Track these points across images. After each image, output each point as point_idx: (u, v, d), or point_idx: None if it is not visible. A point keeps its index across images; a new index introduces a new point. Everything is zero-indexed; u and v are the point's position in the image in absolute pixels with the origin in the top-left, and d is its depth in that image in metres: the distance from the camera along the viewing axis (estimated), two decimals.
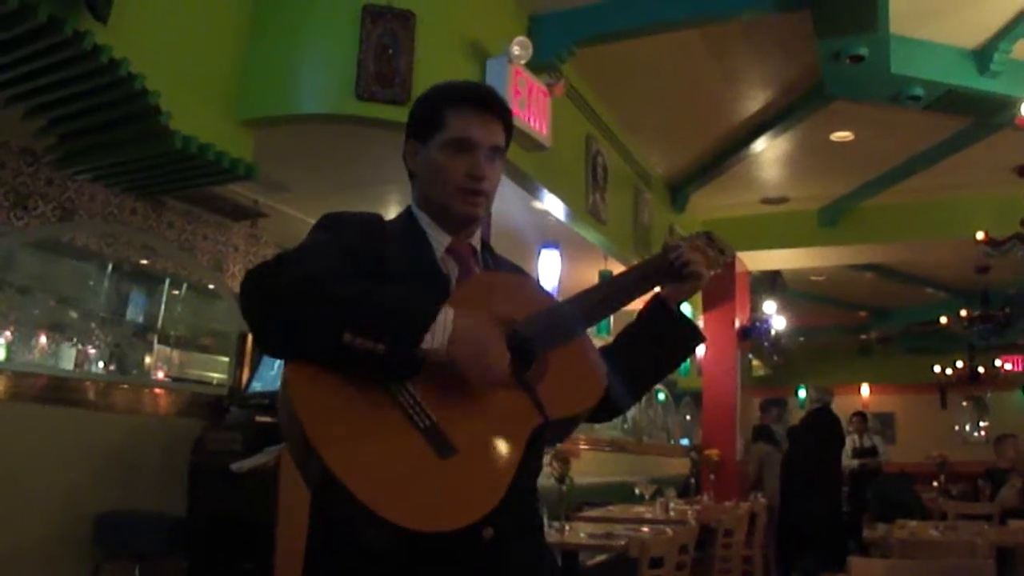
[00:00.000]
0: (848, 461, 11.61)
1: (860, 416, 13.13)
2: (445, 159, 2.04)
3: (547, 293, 2.18)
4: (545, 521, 4.12)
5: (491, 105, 2.09)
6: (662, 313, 2.21)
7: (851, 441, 11.97)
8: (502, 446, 1.75)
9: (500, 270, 2.23)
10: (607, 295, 2.11)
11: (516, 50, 6.08)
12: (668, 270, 2.16)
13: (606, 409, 2.10)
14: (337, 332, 1.65)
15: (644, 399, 12.50)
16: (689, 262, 2.14)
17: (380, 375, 1.72)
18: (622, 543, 4.96)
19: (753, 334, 11.93)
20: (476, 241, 2.20)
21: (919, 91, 7.34)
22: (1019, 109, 5.62)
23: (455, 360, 1.70)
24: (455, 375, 1.72)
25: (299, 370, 1.70)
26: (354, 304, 1.70)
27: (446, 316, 1.72)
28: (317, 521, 1.93)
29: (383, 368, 1.70)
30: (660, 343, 2.23)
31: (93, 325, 7.81)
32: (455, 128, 2.04)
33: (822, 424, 9.83)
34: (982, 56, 7.31)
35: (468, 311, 1.79)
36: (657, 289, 2.22)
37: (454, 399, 1.75)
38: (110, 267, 7.89)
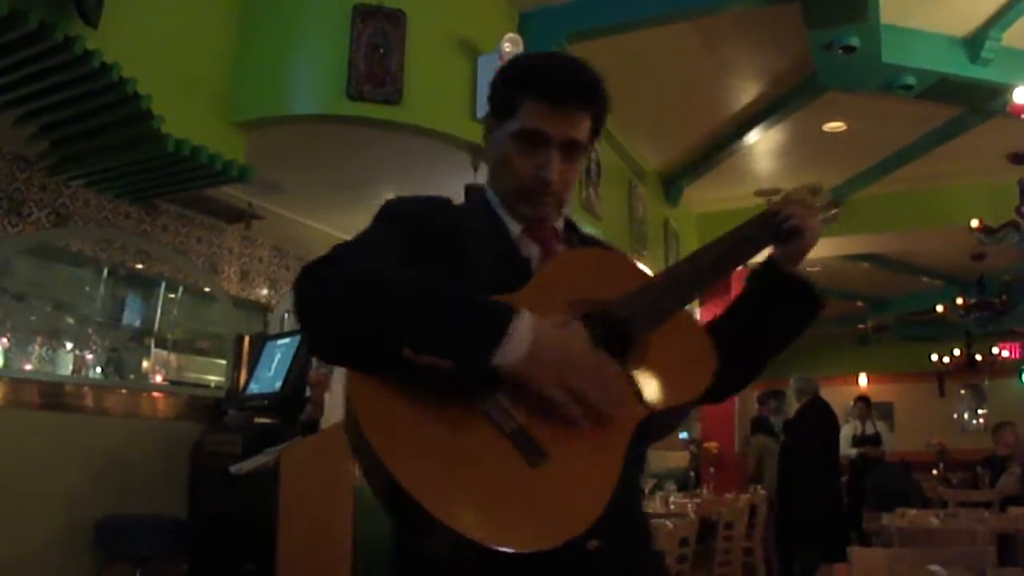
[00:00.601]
0: (847, 450, 11.10)
1: (863, 401, 12.16)
2: (513, 151, 1.83)
3: (639, 269, 1.95)
4: None
5: (578, 95, 1.83)
6: (773, 278, 1.97)
7: (853, 428, 11.50)
8: (601, 447, 1.54)
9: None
10: (704, 265, 1.86)
11: (507, 47, 6.08)
12: (770, 229, 1.92)
13: (717, 391, 1.79)
14: (396, 348, 1.46)
15: None
16: (791, 217, 1.90)
17: (452, 385, 1.49)
18: None
19: None
20: (559, 223, 1.99)
21: (911, 80, 7.35)
22: (1011, 96, 5.62)
23: (532, 380, 1.48)
24: (535, 393, 1.49)
25: (365, 379, 1.51)
26: (414, 316, 1.49)
27: (523, 324, 1.48)
28: (402, 553, 1.73)
29: (453, 381, 1.48)
30: (774, 313, 1.98)
31: (90, 330, 7.82)
32: (527, 118, 1.80)
33: (815, 414, 9.83)
34: (973, 44, 7.31)
35: (549, 312, 1.57)
36: (763, 256, 1.99)
37: (542, 400, 1.53)
38: (105, 272, 7.90)
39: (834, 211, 2.08)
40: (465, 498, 1.40)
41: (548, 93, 1.79)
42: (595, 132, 1.89)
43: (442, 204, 1.90)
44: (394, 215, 1.82)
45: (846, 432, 10.75)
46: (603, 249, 2.01)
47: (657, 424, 1.66)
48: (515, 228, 1.87)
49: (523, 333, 1.47)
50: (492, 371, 1.46)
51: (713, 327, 1.94)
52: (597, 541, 1.54)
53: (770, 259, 1.97)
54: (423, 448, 1.44)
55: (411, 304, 1.50)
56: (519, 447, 1.47)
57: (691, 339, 1.78)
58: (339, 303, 1.51)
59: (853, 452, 11.28)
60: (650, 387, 1.63)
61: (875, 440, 11.46)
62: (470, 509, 1.39)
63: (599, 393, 1.51)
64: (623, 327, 1.68)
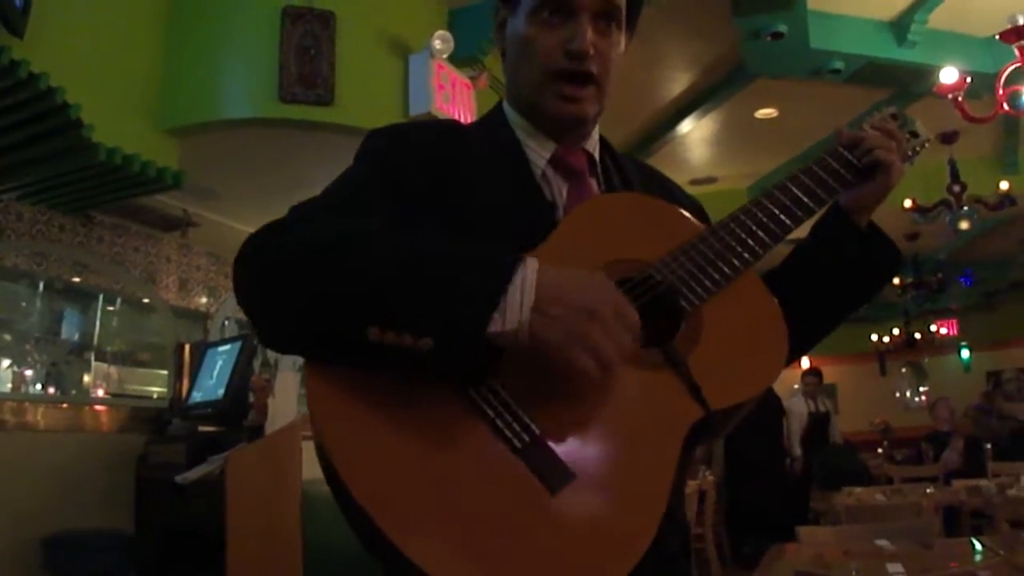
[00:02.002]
0: (798, 429, 10.29)
1: (813, 374, 10.78)
2: (534, 29, 1.46)
3: (689, 220, 1.50)
4: None
5: None
6: (844, 228, 1.55)
7: (805, 404, 10.40)
8: (645, 459, 1.19)
9: (629, 184, 1.60)
10: (772, 213, 1.46)
11: (437, 44, 6.09)
12: (847, 167, 1.52)
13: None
14: (358, 327, 1.14)
15: None
16: (874, 148, 1.51)
17: (439, 376, 1.18)
18: None
19: None
20: (593, 145, 1.59)
21: (839, 65, 7.47)
22: (938, 77, 5.71)
23: (545, 346, 1.13)
24: (549, 362, 1.15)
25: (324, 378, 1.19)
26: (382, 282, 1.16)
27: (523, 278, 1.14)
28: None
29: (439, 369, 1.16)
30: (846, 268, 1.56)
31: (28, 346, 7.70)
32: None
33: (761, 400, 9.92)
34: (899, 27, 7.46)
35: (565, 259, 1.23)
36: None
37: (561, 391, 1.19)
38: (42, 286, 7.78)
39: (922, 140, 1.71)
40: (470, 550, 1.08)
41: None
42: (632, 16, 1.56)
43: (443, 129, 1.57)
44: (378, 151, 1.49)
45: (799, 409, 10.25)
46: (647, 192, 1.58)
47: (711, 425, 1.28)
48: (539, 160, 1.52)
49: (527, 288, 1.14)
50: (491, 346, 1.14)
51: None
52: None
53: (837, 206, 1.56)
54: (410, 482, 1.11)
55: (375, 269, 1.18)
56: (535, 467, 1.14)
57: (756, 311, 1.39)
58: (283, 277, 1.22)
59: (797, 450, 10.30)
60: (708, 378, 1.26)
61: (825, 419, 10.69)
62: (479, 565, 1.08)
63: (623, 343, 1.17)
64: (670, 296, 1.34)
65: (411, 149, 1.47)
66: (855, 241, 1.55)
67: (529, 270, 1.15)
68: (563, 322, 1.13)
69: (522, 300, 1.13)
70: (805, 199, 1.48)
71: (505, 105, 1.61)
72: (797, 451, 9.97)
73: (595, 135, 1.60)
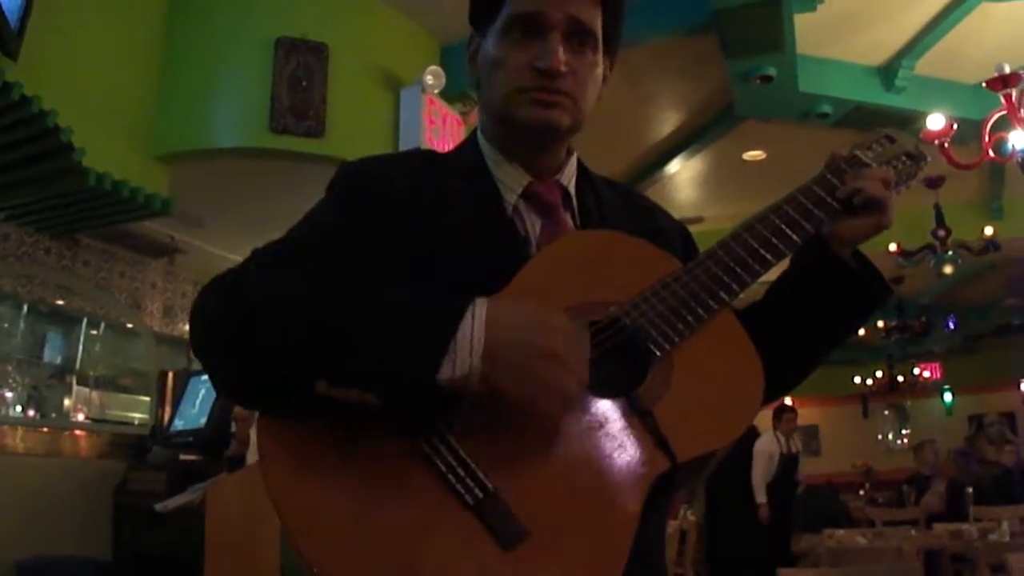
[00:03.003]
0: (770, 469, 9.31)
1: (789, 411, 9.73)
2: (505, 49, 1.42)
3: (666, 257, 1.41)
4: None
5: None
6: (828, 260, 1.45)
7: (777, 443, 9.44)
8: (604, 514, 1.14)
9: (607, 215, 1.52)
10: (752, 249, 1.39)
11: (429, 79, 6.12)
12: (834, 199, 1.44)
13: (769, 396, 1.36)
14: (303, 381, 1.13)
15: None
16: (862, 190, 1.41)
17: (391, 426, 1.15)
18: None
19: None
20: (569, 178, 1.53)
21: (827, 108, 7.53)
22: (924, 123, 5.75)
23: (499, 390, 1.12)
24: (508, 408, 1.14)
25: (276, 429, 1.18)
26: (328, 338, 1.14)
27: (472, 321, 1.13)
28: None
29: (390, 419, 1.14)
30: (830, 301, 1.47)
31: (9, 368, 7.66)
32: (516, 2, 1.41)
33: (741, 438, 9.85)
34: (887, 73, 7.53)
35: (529, 301, 1.21)
36: None
37: (518, 444, 1.16)
38: (25, 308, 7.74)
39: (918, 168, 1.57)
40: None
41: None
42: (611, 29, 1.49)
43: (414, 163, 1.52)
44: (349, 184, 1.47)
45: (770, 449, 9.29)
46: (620, 232, 1.45)
47: (679, 478, 1.25)
48: (510, 196, 1.46)
49: (476, 334, 1.12)
50: (441, 393, 1.12)
51: (748, 315, 1.44)
52: None
53: (822, 236, 1.45)
54: (357, 537, 1.09)
55: (321, 326, 1.16)
56: (488, 523, 1.11)
57: (731, 353, 1.32)
58: (229, 339, 1.21)
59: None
60: (676, 428, 1.20)
61: (795, 460, 9.68)
62: None
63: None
64: (638, 340, 1.28)
65: (381, 185, 1.44)
66: (836, 272, 1.45)
67: (479, 314, 1.13)
68: (516, 366, 1.12)
69: (472, 345, 1.11)
70: (788, 231, 1.41)
71: (479, 136, 1.56)
72: (762, 496, 9.09)
73: (571, 167, 1.55)
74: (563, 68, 1.38)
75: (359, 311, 1.16)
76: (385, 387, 1.11)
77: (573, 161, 1.56)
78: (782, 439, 9.48)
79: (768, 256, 1.38)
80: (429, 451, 1.14)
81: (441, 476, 1.12)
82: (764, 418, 11.56)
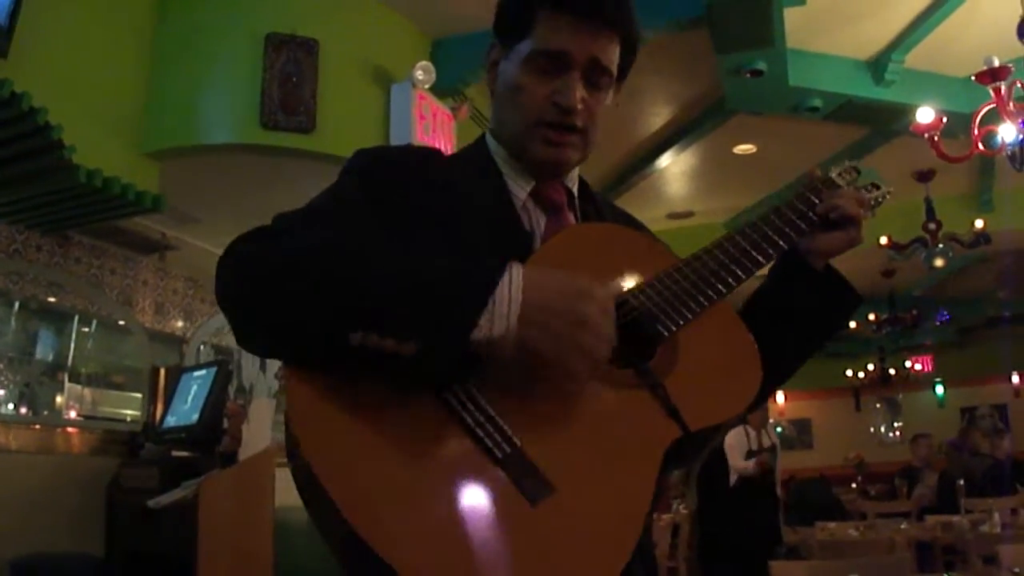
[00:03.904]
0: (738, 463, 8.46)
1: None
2: (526, 77, 1.49)
3: (665, 250, 1.55)
4: None
5: (602, 9, 1.49)
6: (804, 272, 1.60)
7: (746, 437, 8.40)
8: (624, 477, 1.19)
9: (603, 220, 1.65)
10: (744, 250, 1.52)
11: (419, 75, 6.13)
12: (814, 213, 1.59)
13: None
14: (339, 330, 1.13)
15: None
16: (838, 207, 1.57)
17: (420, 381, 1.17)
18: None
19: None
20: (572, 181, 1.64)
21: (818, 102, 7.55)
22: (914, 116, 5.77)
23: (531, 350, 1.16)
24: (538, 370, 1.18)
25: (305, 380, 1.17)
26: (364, 286, 1.16)
27: (510, 283, 1.16)
28: None
29: (419, 374, 1.16)
30: (806, 311, 1.61)
31: (1, 366, 7.65)
32: (542, 36, 1.47)
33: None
34: (877, 67, 7.55)
35: (550, 267, 1.26)
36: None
37: (541, 406, 1.21)
38: (17, 305, 7.73)
39: (883, 192, 1.75)
40: (447, 555, 1.06)
41: (568, 2, 1.47)
42: (624, 63, 1.59)
43: (428, 156, 1.60)
44: (365, 167, 1.51)
45: (738, 442, 8.40)
46: (622, 225, 1.62)
47: (687, 448, 1.29)
48: (519, 192, 1.55)
49: (514, 293, 1.15)
50: (475, 351, 1.15)
51: None
52: None
53: (797, 249, 1.60)
54: (388, 485, 1.10)
55: (361, 273, 1.18)
56: (516, 478, 1.14)
57: (730, 338, 1.43)
58: (265, 281, 1.21)
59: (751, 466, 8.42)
60: (685, 400, 1.27)
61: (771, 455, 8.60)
62: (455, 567, 1.06)
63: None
64: (647, 321, 1.36)
65: (396, 171, 1.49)
66: (812, 283, 1.60)
67: (516, 275, 1.17)
68: (550, 328, 1.15)
69: (509, 305, 1.14)
70: (775, 237, 1.55)
71: (488, 137, 1.63)
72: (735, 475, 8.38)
73: (575, 172, 1.64)
74: (579, 106, 1.47)
75: (402, 262, 1.20)
76: (423, 338, 1.12)
77: (576, 169, 1.65)
78: (752, 433, 8.83)
79: (759, 257, 1.52)
80: (457, 406, 1.17)
81: (470, 430, 1.16)
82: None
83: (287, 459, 1.19)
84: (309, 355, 1.18)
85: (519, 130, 1.52)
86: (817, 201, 1.60)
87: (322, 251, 1.22)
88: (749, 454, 8.59)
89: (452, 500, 1.10)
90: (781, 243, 1.55)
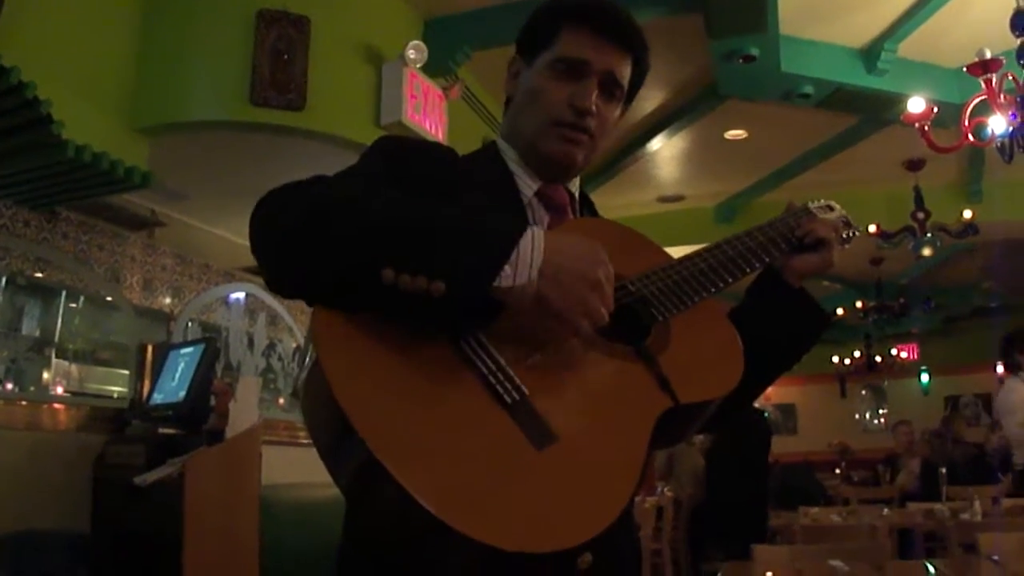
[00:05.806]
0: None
1: None
2: (547, 81, 1.63)
3: (658, 248, 1.68)
4: None
5: (620, 30, 1.67)
6: (780, 291, 1.76)
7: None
8: (621, 436, 1.29)
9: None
10: (730, 258, 1.67)
11: (411, 54, 6.12)
12: (792, 236, 1.77)
13: (728, 408, 1.52)
14: (372, 267, 1.20)
15: None
16: (814, 231, 1.74)
17: (440, 326, 1.27)
18: None
19: None
20: (575, 187, 1.79)
21: (809, 89, 7.55)
22: (905, 105, 5.78)
23: (549, 306, 1.25)
24: (547, 323, 1.28)
25: (332, 321, 1.25)
26: (398, 226, 1.25)
27: (532, 239, 1.26)
28: (354, 531, 1.45)
29: (443, 317, 1.25)
30: (782, 329, 1.75)
31: None
32: (567, 45, 1.62)
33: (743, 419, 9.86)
34: (869, 55, 7.55)
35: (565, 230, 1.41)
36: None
37: (547, 363, 1.32)
38: (3, 280, 7.71)
39: (854, 229, 1.91)
40: (451, 475, 1.15)
41: (591, 19, 1.63)
42: (635, 83, 1.75)
43: (445, 151, 1.69)
44: (388, 151, 1.59)
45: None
46: (620, 224, 1.71)
47: (675, 421, 1.38)
48: (526, 190, 1.66)
49: (537, 246, 1.26)
50: (498, 297, 1.23)
51: None
52: (591, 556, 1.26)
53: (773, 270, 1.77)
54: (405, 416, 1.18)
55: (395, 214, 1.27)
56: (523, 424, 1.23)
57: (717, 330, 1.56)
58: (302, 221, 1.27)
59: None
60: (676, 376, 1.39)
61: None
62: (457, 489, 1.13)
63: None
64: (642, 306, 1.49)
65: (413, 155, 1.60)
66: (786, 297, 1.76)
67: (538, 233, 1.28)
68: (564, 284, 1.26)
69: (532, 257, 1.24)
70: (759, 251, 1.72)
71: (499, 141, 1.75)
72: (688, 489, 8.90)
73: (577, 180, 1.79)
74: (594, 109, 1.61)
75: (435, 208, 1.30)
76: (452, 277, 1.21)
77: (577, 179, 1.81)
78: None
79: (744, 266, 1.69)
80: (471, 353, 1.28)
81: (482, 376, 1.26)
82: None
83: (303, 395, 1.30)
84: (340, 293, 1.25)
85: (535, 129, 1.65)
86: (796, 226, 1.78)
87: (360, 195, 1.31)
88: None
89: (465, 436, 1.20)
90: (764, 257, 1.72)
